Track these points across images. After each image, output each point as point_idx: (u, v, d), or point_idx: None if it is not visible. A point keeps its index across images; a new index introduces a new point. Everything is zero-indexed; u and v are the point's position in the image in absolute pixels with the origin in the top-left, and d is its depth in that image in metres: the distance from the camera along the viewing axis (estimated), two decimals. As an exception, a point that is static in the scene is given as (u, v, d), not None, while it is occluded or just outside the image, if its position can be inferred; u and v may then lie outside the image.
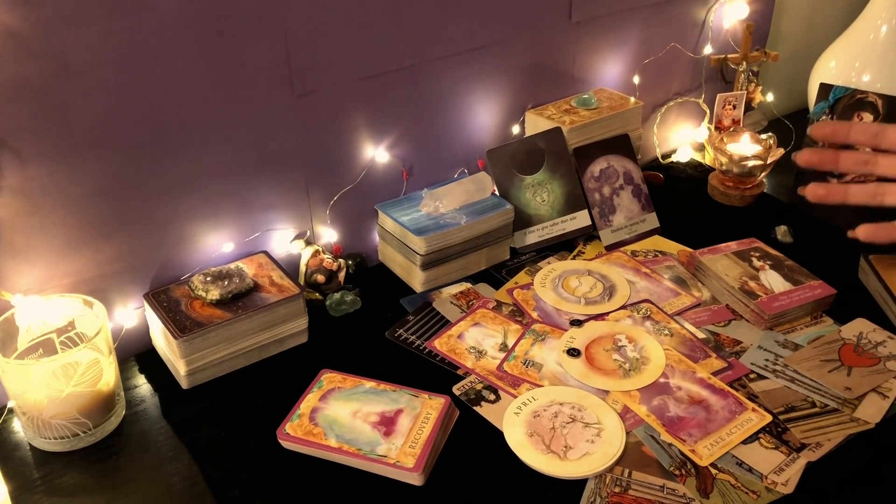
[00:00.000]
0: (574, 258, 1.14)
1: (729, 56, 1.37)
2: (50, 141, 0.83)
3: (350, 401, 0.86)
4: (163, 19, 0.84)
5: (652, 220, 1.19)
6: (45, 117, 0.81)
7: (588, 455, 0.80)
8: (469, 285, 1.08)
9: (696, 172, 1.37)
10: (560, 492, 0.78)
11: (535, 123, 1.20)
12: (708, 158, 1.37)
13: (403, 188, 1.14)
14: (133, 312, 0.96)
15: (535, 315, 1.02)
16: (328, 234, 1.09)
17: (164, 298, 0.94)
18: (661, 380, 0.90)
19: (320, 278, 1.04)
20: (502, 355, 0.95)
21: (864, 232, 0.73)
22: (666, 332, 0.98)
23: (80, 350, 0.81)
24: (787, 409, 0.86)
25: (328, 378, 0.89)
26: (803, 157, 0.74)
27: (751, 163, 1.23)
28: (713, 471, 0.79)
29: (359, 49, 1.00)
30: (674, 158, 1.41)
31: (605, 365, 0.92)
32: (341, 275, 1.06)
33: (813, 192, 0.74)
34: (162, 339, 0.94)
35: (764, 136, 1.27)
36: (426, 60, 1.07)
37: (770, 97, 1.49)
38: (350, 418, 0.84)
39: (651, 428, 0.84)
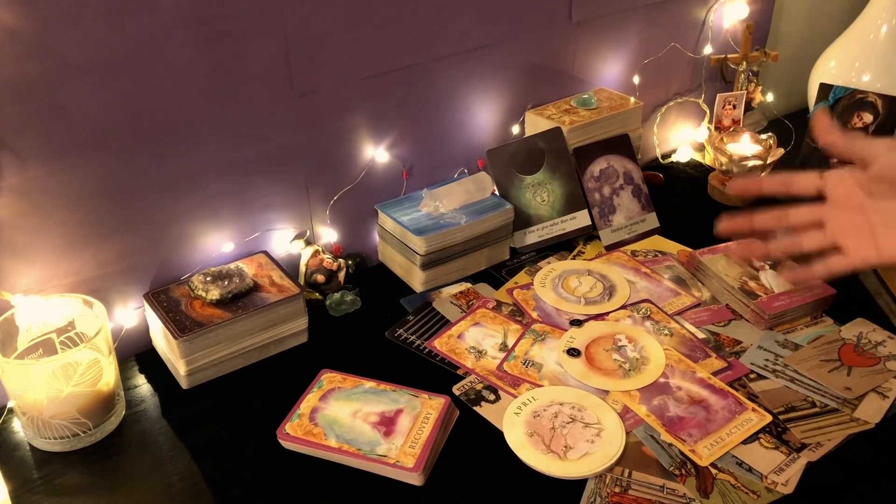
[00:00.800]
0: (574, 258, 1.14)
1: (729, 56, 1.37)
2: (50, 141, 0.83)
3: (350, 401, 0.86)
4: (163, 19, 0.84)
5: (652, 220, 1.19)
6: (45, 117, 0.81)
7: (588, 455, 0.80)
8: (469, 285, 1.08)
9: (696, 172, 1.37)
10: (560, 492, 0.78)
11: (535, 123, 1.20)
12: (708, 158, 1.37)
13: (403, 188, 1.14)
14: (133, 312, 0.96)
15: (535, 315, 1.02)
16: (328, 234, 1.09)
17: (164, 298, 0.94)
18: (661, 380, 0.90)
19: (320, 278, 1.04)
20: (502, 355, 0.95)
21: (786, 277, 0.77)
22: (666, 332, 0.98)
23: (80, 350, 0.81)
24: (787, 409, 0.87)
25: (328, 378, 0.89)
26: (722, 226, 0.77)
27: (751, 163, 1.23)
28: (713, 471, 0.79)
29: (359, 49, 1.00)
30: (674, 158, 1.41)
31: (605, 365, 0.92)
32: (341, 275, 1.06)
33: (736, 253, 0.80)
34: (162, 339, 0.94)
35: (764, 136, 1.27)
36: (426, 60, 1.07)
37: (770, 97, 1.49)
38: (350, 418, 0.84)
39: (651, 428, 0.84)
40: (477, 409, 0.87)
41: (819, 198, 0.73)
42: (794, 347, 0.96)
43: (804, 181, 0.74)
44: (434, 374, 0.92)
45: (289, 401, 0.86)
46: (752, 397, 0.88)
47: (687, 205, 1.28)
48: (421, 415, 0.84)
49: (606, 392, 0.89)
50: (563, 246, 1.16)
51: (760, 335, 0.98)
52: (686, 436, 0.83)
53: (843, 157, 0.72)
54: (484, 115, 1.18)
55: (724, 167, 1.26)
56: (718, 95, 1.37)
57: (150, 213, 0.93)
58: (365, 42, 1.00)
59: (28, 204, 0.84)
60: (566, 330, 0.99)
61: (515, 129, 1.22)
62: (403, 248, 1.07)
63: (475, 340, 0.97)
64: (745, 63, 1.37)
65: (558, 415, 0.85)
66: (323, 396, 0.87)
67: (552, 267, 1.10)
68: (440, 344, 0.97)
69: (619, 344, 0.95)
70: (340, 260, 1.07)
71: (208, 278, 0.94)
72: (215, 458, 0.82)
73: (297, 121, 0.99)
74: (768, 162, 1.24)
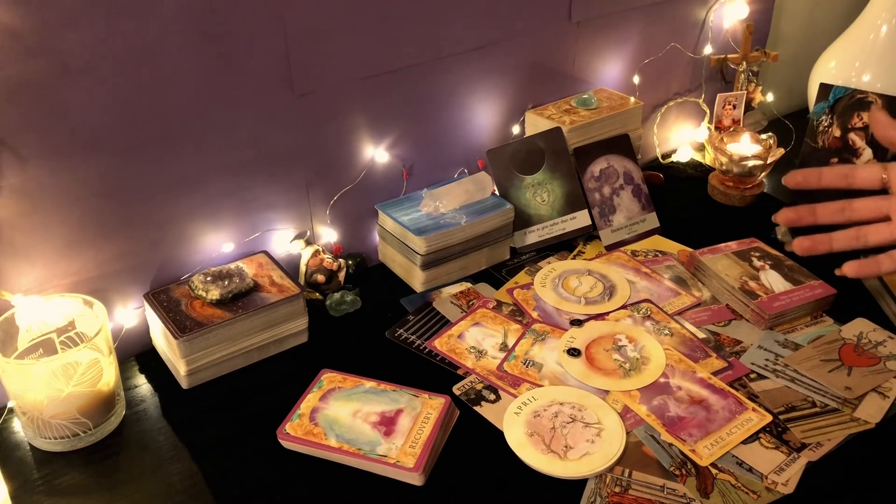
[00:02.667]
0: (574, 258, 1.14)
1: (729, 56, 1.37)
2: (50, 141, 0.83)
3: (350, 401, 0.86)
4: (163, 19, 0.84)
5: (652, 220, 1.19)
6: (45, 117, 0.81)
7: (588, 455, 0.80)
8: (469, 285, 1.08)
9: (696, 172, 1.37)
10: (560, 492, 0.78)
11: (535, 123, 1.20)
12: (708, 158, 1.37)
13: (403, 188, 1.14)
14: (133, 312, 0.96)
15: (535, 315, 1.02)
16: (328, 234, 1.09)
17: (164, 298, 0.94)
18: (662, 380, 0.90)
19: (320, 278, 1.04)
20: (502, 355, 0.95)
21: (850, 269, 0.76)
22: (666, 331, 0.98)
23: (80, 350, 0.81)
24: (787, 409, 0.87)
25: (328, 378, 0.89)
26: (783, 217, 0.77)
27: (751, 163, 1.23)
28: (713, 471, 0.79)
29: (359, 49, 1.00)
30: (674, 158, 1.41)
31: (605, 365, 0.92)
32: (341, 275, 1.06)
33: (800, 245, 0.76)
34: (162, 339, 0.94)
35: (764, 136, 1.27)
36: (426, 60, 1.07)
37: (770, 97, 1.49)
38: (350, 418, 0.84)
39: (651, 428, 0.84)
40: (477, 409, 0.87)
41: (882, 191, 0.71)
42: (794, 347, 0.96)
43: (866, 173, 0.72)
44: (434, 374, 0.92)
45: (289, 401, 0.86)
46: (753, 397, 0.88)
47: (687, 205, 1.28)
48: (421, 415, 0.84)
49: (607, 392, 0.89)
50: (564, 246, 1.16)
51: (760, 335, 0.98)
52: (686, 436, 0.83)
53: None
54: (484, 115, 1.18)
55: (724, 167, 1.26)
56: (718, 95, 1.37)
57: (150, 213, 0.93)
58: (365, 42, 1.00)
59: (28, 204, 0.84)
60: (566, 330, 0.99)
61: (515, 129, 1.22)
62: (403, 248, 1.07)
63: (475, 340, 0.97)
64: (745, 63, 1.37)
65: (558, 415, 0.85)
66: (323, 396, 0.87)
67: (552, 267, 1.10)
68: (440, 344, 0.97)
69: (620, 344, 0.95)
70: (340, 260, 1.07)
71: (208, 278, 0.94)
72: (215, 458, 0.82)
73: (297, 121, 0.99)
74: (768, 162, 1.24)
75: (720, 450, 0.81)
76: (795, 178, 0.77)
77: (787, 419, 0.85)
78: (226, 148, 0.95)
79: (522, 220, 1.14)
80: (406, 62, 1.05)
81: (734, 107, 1.37)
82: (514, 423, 0.84)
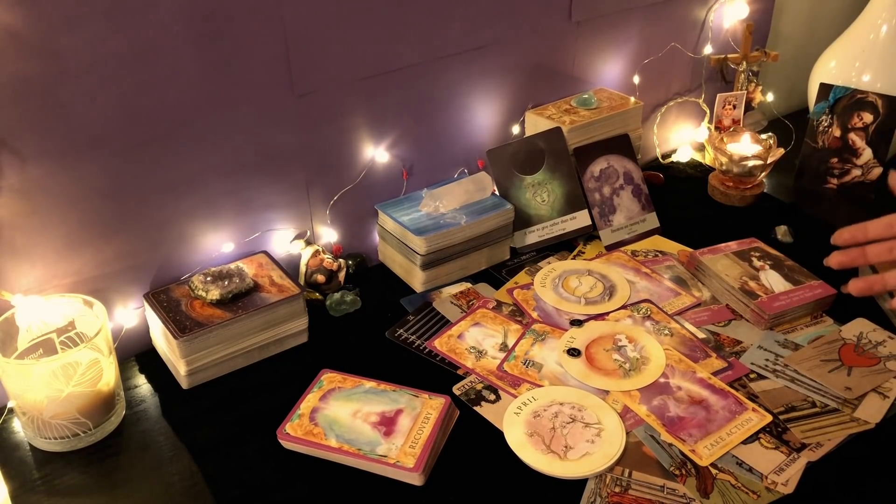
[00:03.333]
0: (574, 258, 1.14)
1: (729, 56, 1.37)
2: (50, 141, 0.83)
3: (350, 401, 0.86)
4: (163, 19, 0.84)
5: (652, 220, 1.19)
6: (45, 117, 0.81)
7: (588, 455, 0.80)
8: (469, 285, 1.08)
9: (696, 172, 1.37)
10: (560, 492, 0.78)
11: (535, 123, 1.20)
12: (708, 158, 1.37)
13: (403, 188, 1.14)
14: (133, 312, 0.96)
15: (535, 315, 1.02)
16: (328, 234, 1.09)
17: (164, 298, 0.94)
18: (662, 380, 0.90)
19: (320, 278, 1.04)
20: (502, 355, 0.95)
21: (856, 287, 0.78)
22: (666, 331, 0.98)
23: (80, 350, 0.81)
24: (787, 409, 0.87)
25: (328, 378, 0.89)
26: (835, 260, 0.80)
27: (751, 163, 1.23)
28: (713, 471, 0.79)
29: (359, 49, 1.00)
30: (674, 158, 1.41)
31: (605, 365, 0.92)
32: (341, 275, 1.06)
33: (855, 286, 0.79)
34: (162, 339, 0.94)
35: (764, 136, 1.27)
36: (426, 60, 1.07)
37: (770, 97, 1.49)
38: (350, 418, 0.84)
39: (651, 428, 0.84)
40: (477, 409, 0.87)
41: None
42: (794, 347, 0.96)
43: None
44: (434, 374, 0.92)
45: (289, 401, 0.86)
46: (753, 397, 0.88)
47: (687, 205, 1.28)
48: (421, 415, 0.84)
49: (606, 392, 0.89)
50: (564, 246, 1.16)
51: (760, 335, 0.98)
52: (686, 436, 0.83)
53: None
54: (484, 115, 1.18)
55: (724, 167, 1.26)
56: (718, 95, 1.37)
57: (150, 213, 0.93)
58: (365, 42, 1.00)
59: (28, 204, 0.84)
60: (566, 330, 0.99)
61: (515, 129, 1.22)
62: (403, 248, 1.07)
63: (475, 340, 0.97)
64: (745, 63, 1.37)
65: (558, 415, 0.85)
66: (323, 396, 0.87)
67: (552, 267, 1.10)
68: (440, 344, 0.97)
69: (620, 344, 0.95)
70: (340, 260, 1.07)
71: (208, 278, 0.94)
72: (215, 458, 0.82)
73: (297, 121, 0.99)
74: (768, 162, 1.24)
75: (720, 450, 0.81)
76: (843, 236, 0.79)
77: (787, 419, 0.85)
78: (226, 148, 0.95)
79: (522, 220, 1.14)
80: (406, 62, 1.05)
81: (734, 107, 1.37)
82: (514, 423, 0.84)
